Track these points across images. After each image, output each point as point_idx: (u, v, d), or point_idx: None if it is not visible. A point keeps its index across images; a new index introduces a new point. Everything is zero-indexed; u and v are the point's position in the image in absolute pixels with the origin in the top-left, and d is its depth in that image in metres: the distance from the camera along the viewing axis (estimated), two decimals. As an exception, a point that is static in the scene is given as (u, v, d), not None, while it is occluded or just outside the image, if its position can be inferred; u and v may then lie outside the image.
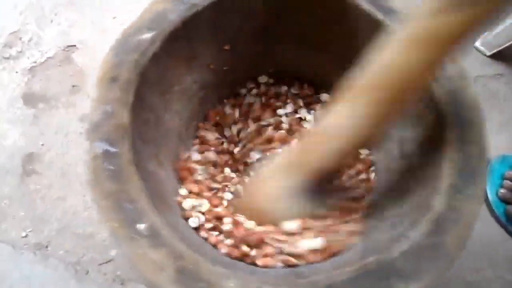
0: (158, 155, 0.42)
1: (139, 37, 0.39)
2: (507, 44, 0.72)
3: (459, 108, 0.37)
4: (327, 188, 0.44)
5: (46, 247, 0.60)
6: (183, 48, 0.43)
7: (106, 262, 0.59)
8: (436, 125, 0.38)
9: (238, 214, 0.44)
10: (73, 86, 0.72)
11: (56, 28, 0.78)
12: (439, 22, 0.28)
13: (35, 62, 0.74)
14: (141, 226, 0.31)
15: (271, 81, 0.56)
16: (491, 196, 0.62)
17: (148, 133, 0.40)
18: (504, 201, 0.61)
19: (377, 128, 0.36)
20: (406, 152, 0.44)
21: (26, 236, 0.60)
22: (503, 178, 0.62)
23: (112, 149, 0.34)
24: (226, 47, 0.48)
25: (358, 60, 0.34)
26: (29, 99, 0.71)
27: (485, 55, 0.75)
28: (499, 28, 0.71)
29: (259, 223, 0.43)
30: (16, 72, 0.73)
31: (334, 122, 0.36)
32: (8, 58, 0.74)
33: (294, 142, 0.48)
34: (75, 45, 0.76)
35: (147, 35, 0.39)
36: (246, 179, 0.49)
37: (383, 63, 0.32)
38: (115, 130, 0.34)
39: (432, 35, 0.29)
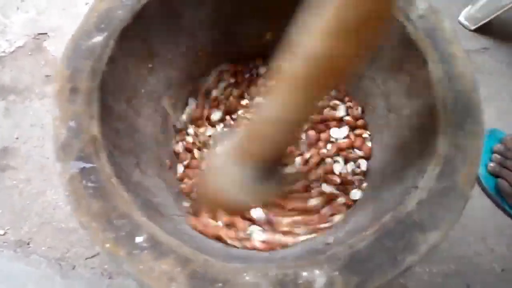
0: (139, 164, 0.39)
1: (91, 41, 0.36)
2: (490, 18, 0.71)
3: (439, 44, 0.37)
4: (280, 171, 0.43)
5: (28, 244, 0.57)
6: (139, 46, 0.41)
7: (92, 256, 0.57)
8: (419, 66, 0.37)
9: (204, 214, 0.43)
10: (47, 76, 0.69)
11: (23, 15, 0.74)
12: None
13: (3, 52, 0.70)
14: (140, 239, 0.29)
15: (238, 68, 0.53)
16: (480, 170, 0.62)
17: (123, 143, 0.38)
18: (494, 174, 0.61)
19: (311, 107, 0.36)
20: (394, 104, 0.43)
21: (4, 234, 0.58)
22: (492, 152, 0.62)
23: (89, 165, 0.31)
24: (184, 39, 0.46)
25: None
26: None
27: (469, 29, 0.74)
28: (482, 1, 0.70)
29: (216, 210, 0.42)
30: (-17, 63, 0.69)
31: (269, 113, 0.36)
32: (-28, 49, 0.70)
33: (240, 129, 0.47)
34: (46, 33, 0.72)
35: (99, 38, 0.36)
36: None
37: (304, 52, 0.31)
38: (87, 146, 0.32)
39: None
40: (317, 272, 0.28)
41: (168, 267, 0.28)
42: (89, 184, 0.30)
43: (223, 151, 0.44)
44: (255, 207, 0.41)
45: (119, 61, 0.37)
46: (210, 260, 0.28)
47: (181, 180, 0.48)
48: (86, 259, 0.57)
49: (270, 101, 0.36)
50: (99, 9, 0.37)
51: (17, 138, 0.64)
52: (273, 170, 0.43)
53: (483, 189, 0.62)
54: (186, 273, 0.27)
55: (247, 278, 0.27)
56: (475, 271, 0.58)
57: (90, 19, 0.37)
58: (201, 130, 0.51)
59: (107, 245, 0.28)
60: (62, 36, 0.72)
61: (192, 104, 0.51)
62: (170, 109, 0.48)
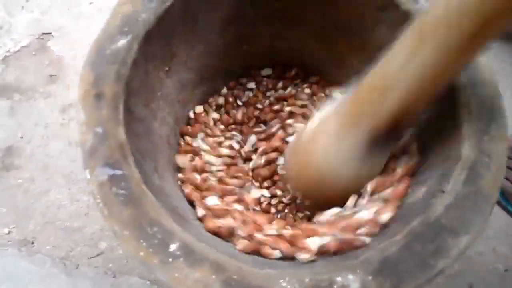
0: (157, 168, 0.39)
1: (115, 45, 0.35)
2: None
3: None
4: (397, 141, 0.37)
5: (32, 243, 0.58)
6: (160, 48, 0.40)
7: (96, 255, 0.57)
8: None
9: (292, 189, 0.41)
10: (51, 75, 0.69)
11: (28, 15, 0.74)
12: None
13: (8, 51, 0.70)
14: (173, 246, 0.29)
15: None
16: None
17: (143, 147, 0.37)
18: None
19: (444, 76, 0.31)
20: None
21: (9, 233, 0.58)
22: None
23: (118, 172, 0.31)
24: (198, 41, 0.45)
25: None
26: (4, 90, 0.67)
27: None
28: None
29: (318, 197, 0.39)
30: (-12, 62, 0.69)
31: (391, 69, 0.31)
32: (-23, 48, 0.71)
33: (342, 97, 0.41)
34: (50, 33, 0.73)
35: (123, 41, 0.35)
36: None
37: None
38: (115, 151, 0.31)
39: None
40: (350, 277, 0.27)
41: (202, 275, 0.27)
42: (120, 191, 0.30)
43: (323, 116, 0.38)
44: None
45: (142, 65, 0.37)
46: (243, 266, 0.28)
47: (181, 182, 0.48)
48: (90, 258, 0.57)
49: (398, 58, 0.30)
50: (123, 12, 0.37)
51: (21, 137, 0.64)
52: (396, 136, 0.36)
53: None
54: (220, 281, 0.27)
55: (283, 284, 0.27)
56: (478, 271, 0.58)
57: (113, 23, 0.37)
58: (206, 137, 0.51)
59: (141, 254, 0.28)
60: (65, 36, 0.72)
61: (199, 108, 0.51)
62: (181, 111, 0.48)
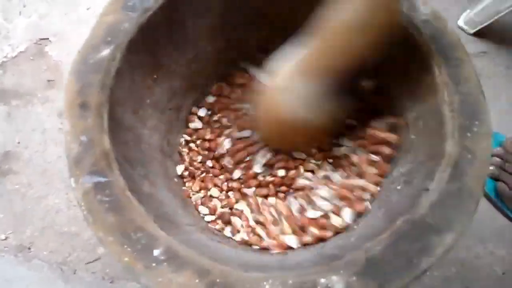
0: (148, 175, 0.39)
1: (98, 55, 0.36)
2: (489, 22, 0.72)
3: (444, 48, 0.37)
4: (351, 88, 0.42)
5: (29, 248, 0.57)
6: (145, 57, 0.41)
7: (93, 261, 0.57)
8: (423, 71, 0.38)
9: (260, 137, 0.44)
10: (48, 80, 0.69)
11: (26, 20, 0.74)
12: None
13: (5, 56, 0.70)
14: (157, 251, 0.29)
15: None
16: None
17: (132, 155, 0.38)
18: (493, 178, 0.62)
19: None
20: (397, 108, 0.43)
21: (6, 239, 0.58)
22: (492, 155, 0.63)
23: (103, 179, 0.31)
24: (187, 48, 0.46)
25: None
26: (1, 96, 0.67)
27: (468, 33, 0.75)
28: (481, 5, 0.71)
29: (284, 143, 0.44)
30: (-14, 68, 0.69)
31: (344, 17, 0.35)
32: (-25, 54, 0.71)
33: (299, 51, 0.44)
34: (48, 38, 0.73)
35: (106, 51, 0.36)
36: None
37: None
38: (100, 159, 0.32)
39: None
40: (334, 278, 0.28)
41: (186, 279, 0.28)
42: (104, 198, 0.30)
43: (286, 69, 0.42)
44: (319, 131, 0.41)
45: (126, 73, 0.38)
46: (227, 270, 0.28)
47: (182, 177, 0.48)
48: (87, 263, 0.57)
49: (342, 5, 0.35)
50: (106, 22, 0.38)
51: (18, 143, 0.64)
52: (343, 86, 0.40)
53: (483, 193, 0.62)
54: (204, 284, 0.27)
55: (267, 287, 0.27)
56: (476, 274, 0.58)
57: (97, 33, 0.37)
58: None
59: (126, 259, 0.28)
60: (63, 41, 0.72)
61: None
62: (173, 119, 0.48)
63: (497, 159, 0.62)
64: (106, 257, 0.57)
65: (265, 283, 0.28)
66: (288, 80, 0.41)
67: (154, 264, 0.28)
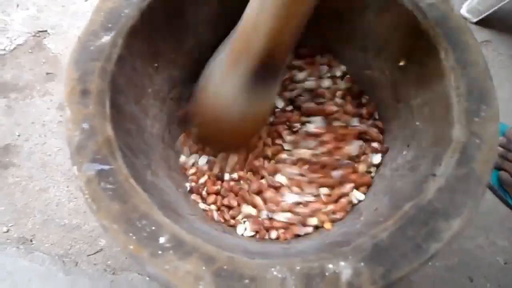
0: (150, 164, 0.39)
1: (99, 41, 0.35)
2: (492, 10, 0.71)
3: (450, 32, 0.37)
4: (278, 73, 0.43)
5: (31, 241, 0.57)
6: (146, 44, 0.40)
7: (95, 253, 0.57)
8: (429, 55, 0.37)
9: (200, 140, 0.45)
10: (47, 73, 0.68)
11: (23, 13, 0.73)
12: None
13: (4, 49, 0.70)
14: (163, 239, 0.28)
15: None
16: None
17: (135, 144, 0.37)
18: (496, 167, 0.61)
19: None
20: (402, 94, 0.43)
21: (7, 231, 0.58)
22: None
23: (106, 167, 0.30)
24: (187, 36, 0.46)
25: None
26: (1, 88, 0.67)
27: (471, 22, 0.74)
28: (484, -7, 0.70)
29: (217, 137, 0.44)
30: (-16, 60, 0.69)
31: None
32: (-26, 47, 0.70)
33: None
34: (46, 31, 0.72)
35: (107, 38, 0.35)
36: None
37: None
38: (102, 147, 0.31)
39: None
40: (342, 264, 0.27)
41: (193, 266, 0.27)
42: (108, 186, 0.30)
43: (216, 64, 0.43)
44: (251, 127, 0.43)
45: (128, 61, 0.37)
46: (234, 257, 0.28)
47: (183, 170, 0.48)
48: (89, 255, 0.57)
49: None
50: (105, 8, 0.37)
51: (18, 136, 0.64)
52: (273, 72, 0.41)
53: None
54: (211, 271, 0.27)
55: (274, 273, 0.27)
56: (478, 264, 0.58)
57: (97, 19, 0.36)
58: None
59: (131, 247, 0.28)
60: (61, 34, 0.72)
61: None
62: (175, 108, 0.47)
63: (500, 148, 0.61)
64: (108, 249, 0.57)
65: (272, 269, 0.27)
66: (218, 80, 0.41)
67: (160, 252, 0.28)
